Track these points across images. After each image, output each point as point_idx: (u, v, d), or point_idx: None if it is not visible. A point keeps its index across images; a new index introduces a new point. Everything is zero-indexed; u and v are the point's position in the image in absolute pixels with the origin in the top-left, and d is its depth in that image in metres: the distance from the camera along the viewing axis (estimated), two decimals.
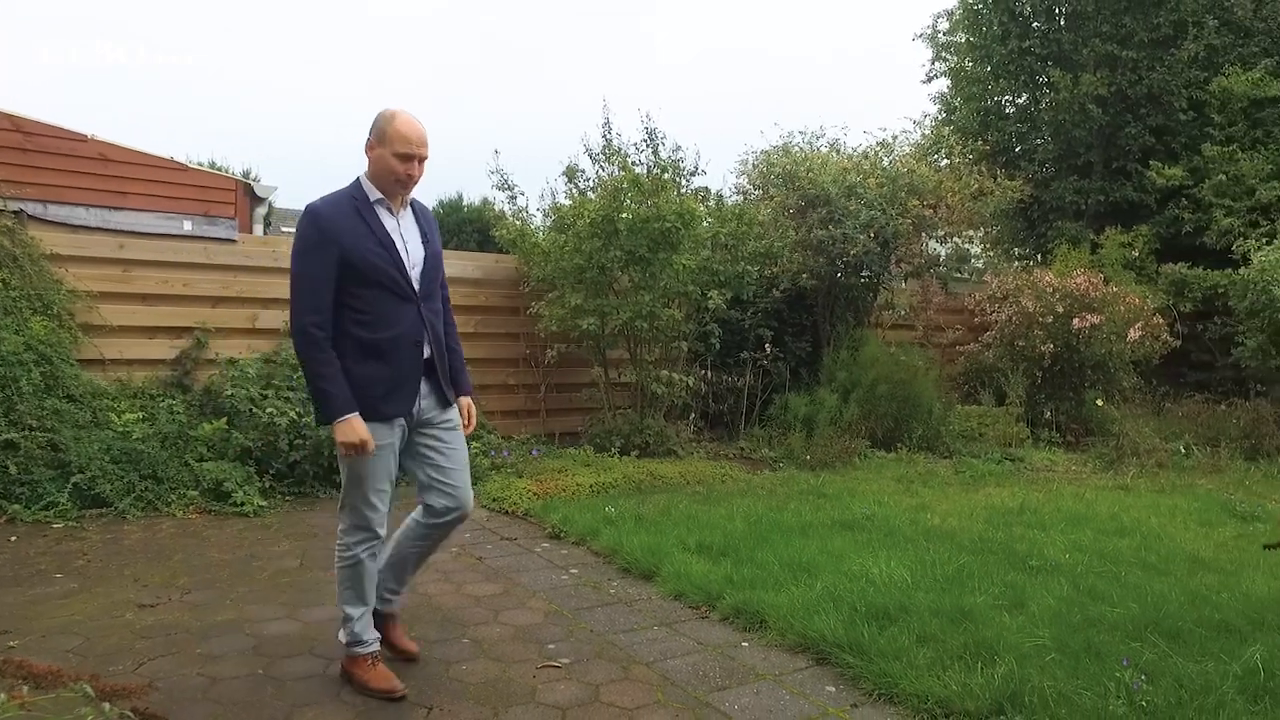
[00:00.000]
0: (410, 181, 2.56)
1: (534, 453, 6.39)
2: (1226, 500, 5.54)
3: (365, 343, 2.49)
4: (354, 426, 2.44)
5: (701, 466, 6.32)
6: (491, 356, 7.19)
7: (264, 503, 5.03)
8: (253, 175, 16.58)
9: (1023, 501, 5.30)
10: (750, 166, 9.41)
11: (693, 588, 3.57)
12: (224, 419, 5.35)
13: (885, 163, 8.55)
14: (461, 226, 19.28)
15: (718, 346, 7.26)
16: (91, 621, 3.17)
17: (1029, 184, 10.32)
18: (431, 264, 2.65)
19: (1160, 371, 9.02)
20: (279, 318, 6.21)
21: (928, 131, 12.07)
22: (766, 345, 7.65)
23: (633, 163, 7.45)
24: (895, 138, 9.34)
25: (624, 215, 6.31)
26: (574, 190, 7.42)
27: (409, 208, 2.67)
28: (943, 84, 13.78)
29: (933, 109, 14.15)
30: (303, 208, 2.63)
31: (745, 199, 8.89)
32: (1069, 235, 10.75)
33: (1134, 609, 3.25)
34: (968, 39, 12.76)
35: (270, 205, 10.26)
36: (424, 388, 2.64)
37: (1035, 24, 12.04)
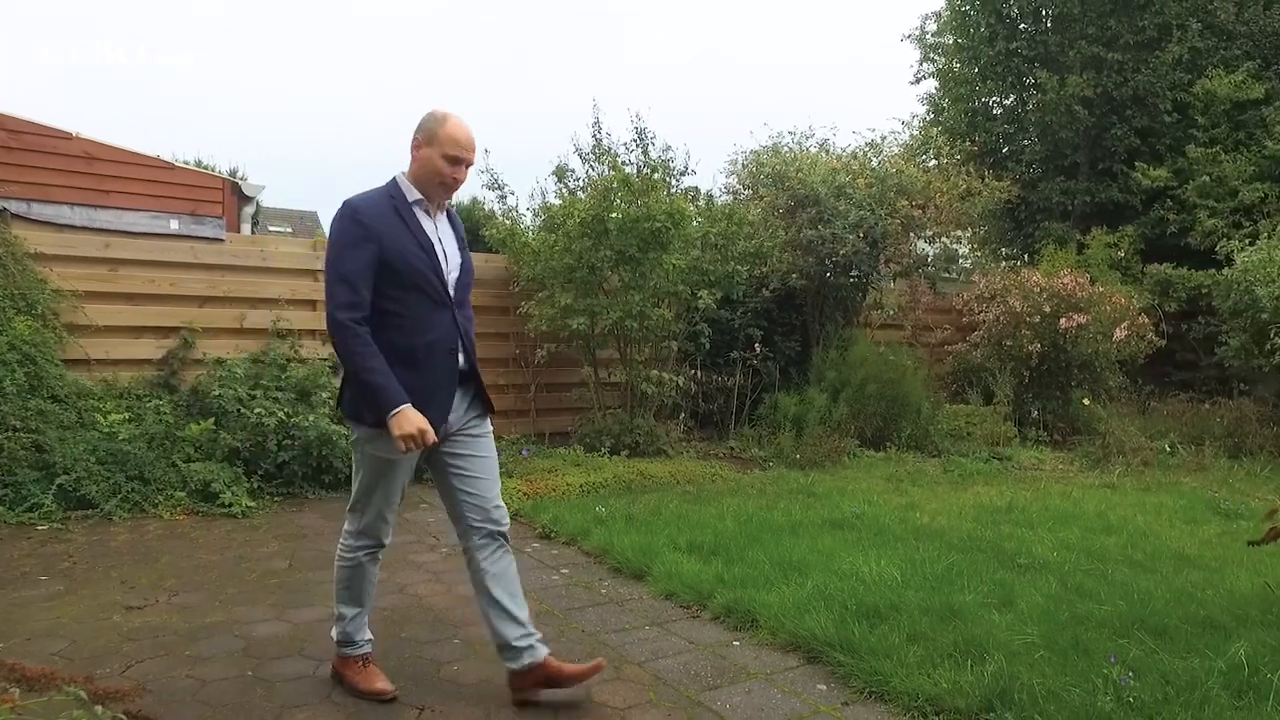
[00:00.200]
0: (455, 185, 2.51)
1: (524, 453, 6.38)
2: (1211, 498, 5.60)
3: (400, 348, 2.39)
4: (410, 416, 2.32)
5: (691, 466, 6.33)
6: (481, 356, 7.02)
7: (252, 503, 5.00)
8: (239, 174, 16.48)
9: (1011, 500, 5.34)
10: (740, 166, 9.43)
11: (684, 587, 3.58)
12: (211, 419, 5.31)
13: (874, 163, 8.58)
14: None
15: (707, 346, 7.27)
16: (78, 624, 3.14)
17: (1016, 185, 10.39)
18: (466, 271, 2.58)
19: (1145, 371, 9.11)
20: (267, 318, 6.18)
21: (916, 132, 12.14)
22: (756, 345, 7.67)
23: (623, 162, 7.45)
24: (884, 138, 9.39)
25: (614, 215, 6.31)
26: (564, 190, 7.41)
27: (444, 212, 2.60)
28: (930, 85, 13.89)
29: (921, 110, 14.26)
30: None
31: (735, 199, 8.90)
32: (1056, 235, 10.84)
33: (1121, 606, 3.28)
34: (955, 40, 12.84)
35: (258, 204, 10.19)
36: (458, 398, 2.52)
37: (1022, 26, 12.13)
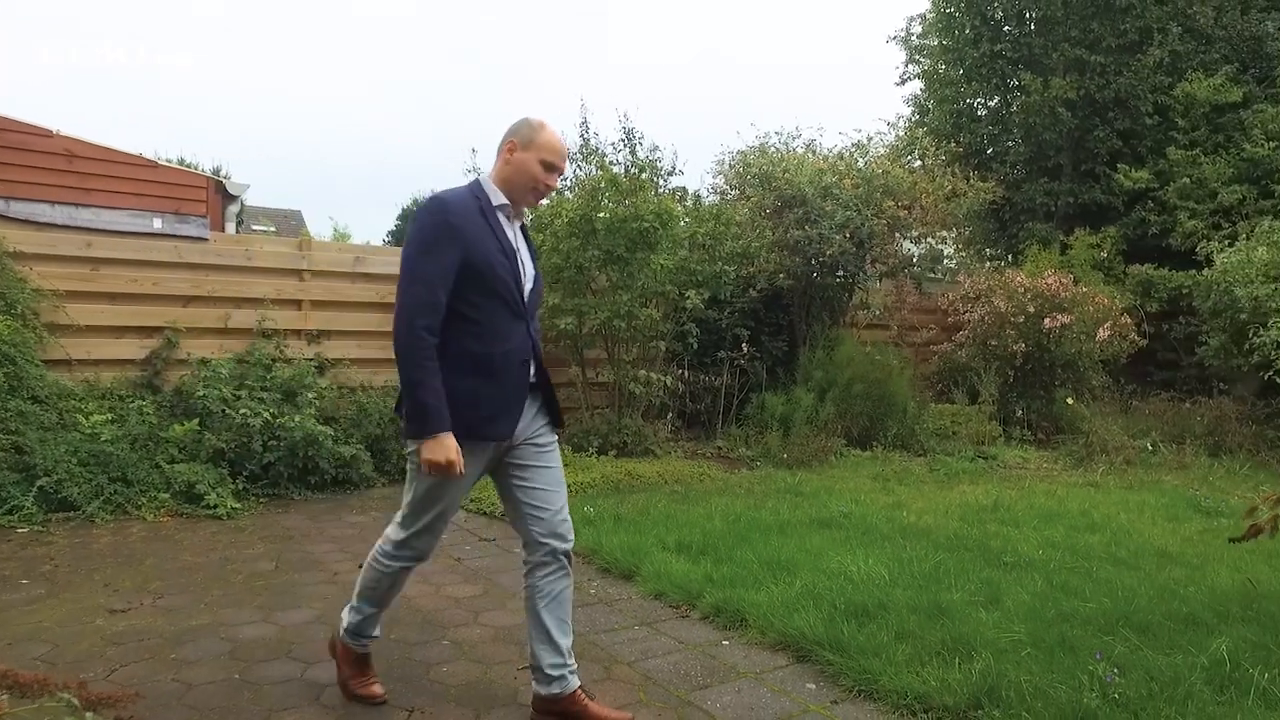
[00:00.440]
0: (546, 193, 2.43)
1: None
2: (1192, 496, 5.67)
3: (475, 356, 2.28)
4: (446, 445, 2.21)
5: (679, 466, 6.33)
6: None
7: (237, 505, 4.95)
8: (223, 173, 16.34)
9: (996, 499, 5.38)
10: (727, 167, 9.46)
11: (673, 587, 3.58)
12: (196, 420, 5.26)
13: (860, 164, 8.63)
14: None
15: (695, 346, 7.29)
16: (60, 628, 3.10)
17: (1000, 186, 10.48)
18: (539, 284, 2.48)
19: (1127, 370, 9.21)
20: (252, 317, 6.13)
21: (902, 133, 12.22)
22: (744, 345, 7.69)
23: (610, 162, 7.45)
24: (870, 139, 9.45)
25: (602, 215, 6.31)
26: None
27: (519, 222, 2.49)
28: (916, 86, 13.98)
29: (906, 111, 14.34)
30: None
31: (722, 199, 8.93)
32: (1039, 236, 10.94)
33: (1105, 603, 3.32)
34: (940, 42, 12.93)
35: (242, 203, 10.10)
36: (528, 410, 2.42)
37: (1006, 28, 12.23)
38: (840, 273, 8.27)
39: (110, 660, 2.83)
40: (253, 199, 13.97)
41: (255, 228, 19.17)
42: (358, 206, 59.63)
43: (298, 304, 6.38)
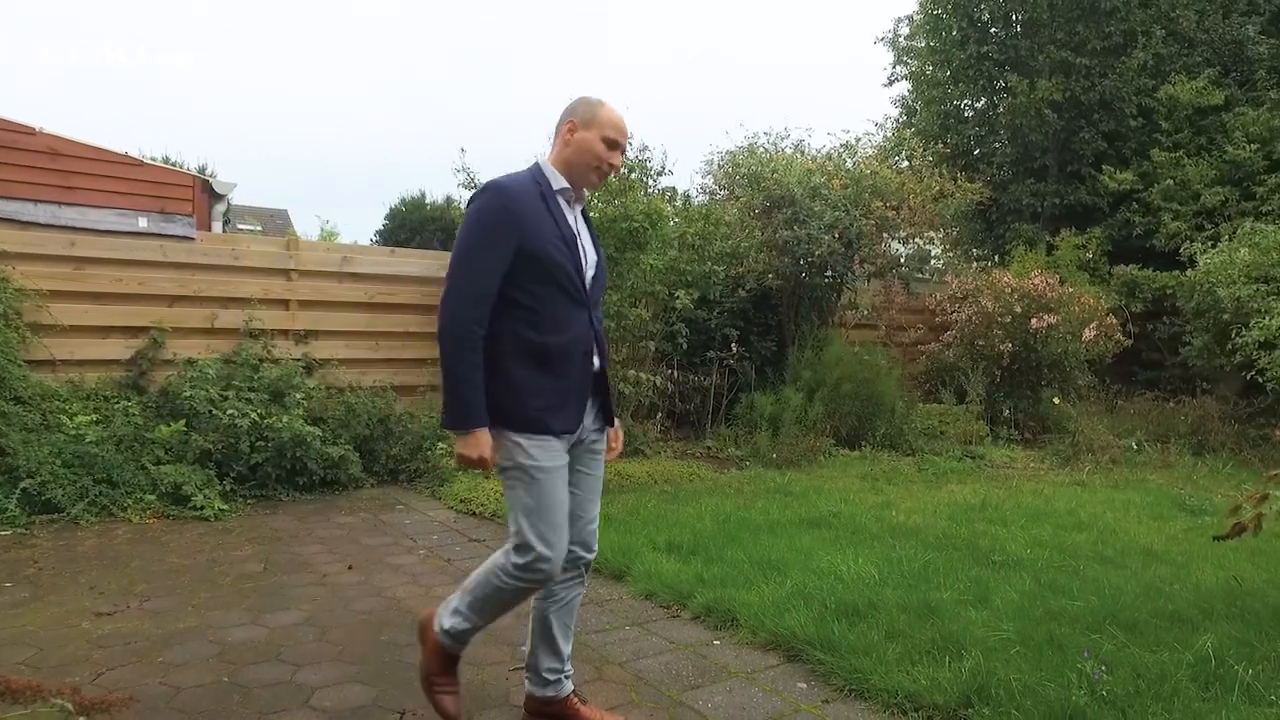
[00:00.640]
0: (610, 172, 2.33)
1: None
2: (1176, 494, 5.73)
3: (533, 346, 2.19)
4: (480, 441, 2.14)
5: (669, 466, 6.34)
6: None
7: (225, 506, 4.91)
8: (209, 171, 16.21)
9: (984, 498, 5.42)
10: (716, 167, 9.47)
11: (663, 587, 3.58)
12: (182, 420, 5.22)
13: (849, 164, 8.66)
14: (424, 225, 19.11)
15: (684, 346, 7.29)
16: (44, 631, 3.07)
17: (987, 186, 10.55)
18: (602, 270, 2.39)
19: (1113, 370, 9.29)
20: (239, 317, 6.09)
21: (889, 134, 12.26)
22: (733, 345, 7.70)
23: None
24: (858, 140, 9.48)
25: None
26: None
27: (580, 205, 2.40)
28: (904, 87, 14.04)
29: (894, 112, 14.42)
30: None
31: (711, 199, 8.93)
32: (1026, 237, 11.03)
33: (1093, 601, 3.35)
34: (928, 44, 13.00)
35: (229, 202, 10.02)
36: (590, 405, 2.33)
37: (993, 30, 12.32)
38: (829, 273, 8.29)
39: (96, 664, 2.80)
40: (238, 198, 13.84)
41: (241, 227, 19.01)
42: (346, 206, 59.30)
43: (285, 304, 6.34)
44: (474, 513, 5.08)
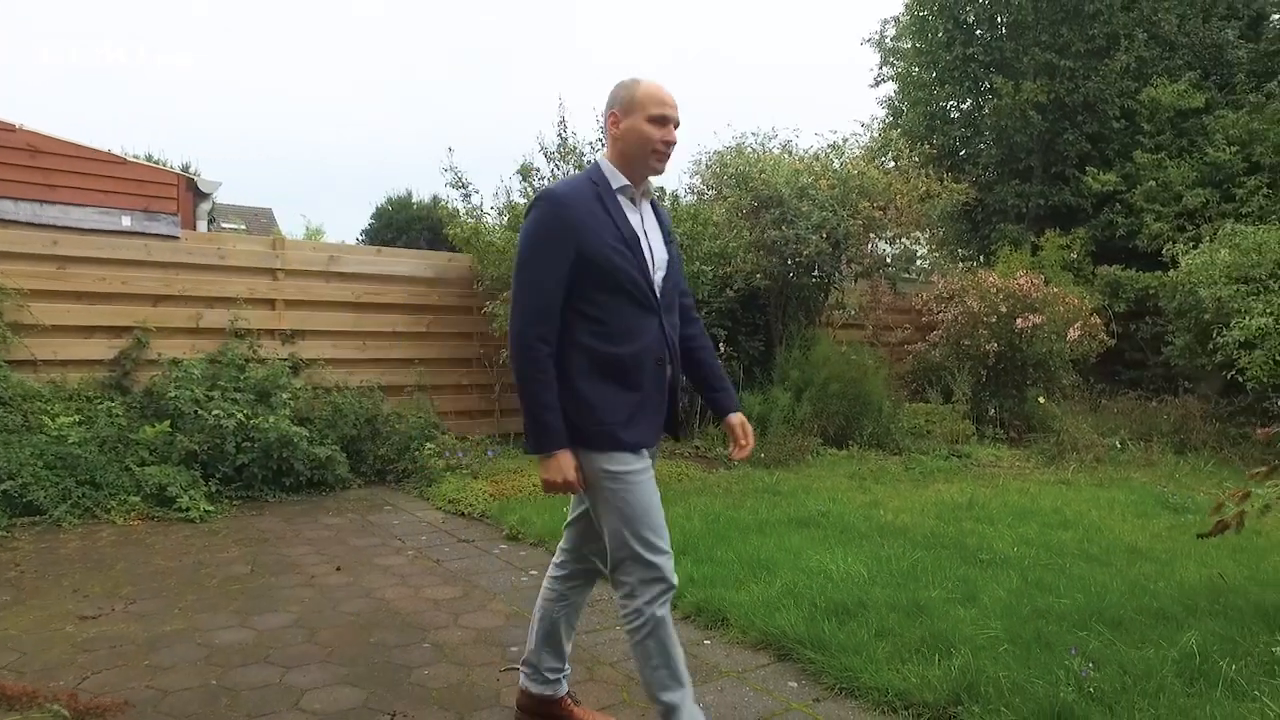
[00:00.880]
0: (667, 152, 2.17)
1: (490, 453, 6.33)
2: (1159, 493, 5.79)
3: (602, 358, 2.08)
4: (563, 464, 2.05)
5: (657, 465, 6.32)
6: (444, 356, 7.10)
7: (210, 507, 4.87)
8: (193, 170, 16.06)
9: (971, 497, 5.45)
10: (704, 167, 9.48)
11: None
12: (167, 421, 5.17)
13: (836, 164, 8.69)
14: (411, 224, 19.01)
15: None
16: (27, 635, 3.03)
17: (973, 187, 10.63)
18: (675, 268, 2.25)
19: (1097, 369, 9.38)
20: (224, 317, 6.03)
21: (876, 134, 12.33)
22: (721, 344, 7.70)
23: (588, 161, 7.42)
24: (845, 140, 9.52)
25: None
26: (529, 189, 7.36)
27: (648, 201, 2.28)
28: (890, 88, 14.11)
29: (881, 112, 14.48)
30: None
31: (699, 199, 8.94)
32: (1011, 237, 11.12)
33: (1079, 599, 3.37)
34: (914, 45, 13.08)
35: (214, 201, 9.92)
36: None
37: (979, 32, 12.41)
38: (816, 273, 8.32)
39: (81, 668, 2.76)
40: (222, 197, 13.72)
41: (225, 225, 18.84)
42: (331, 205, 58.91)
43: (271, 303, 6.29)
44: (463, 513, 5.06)
